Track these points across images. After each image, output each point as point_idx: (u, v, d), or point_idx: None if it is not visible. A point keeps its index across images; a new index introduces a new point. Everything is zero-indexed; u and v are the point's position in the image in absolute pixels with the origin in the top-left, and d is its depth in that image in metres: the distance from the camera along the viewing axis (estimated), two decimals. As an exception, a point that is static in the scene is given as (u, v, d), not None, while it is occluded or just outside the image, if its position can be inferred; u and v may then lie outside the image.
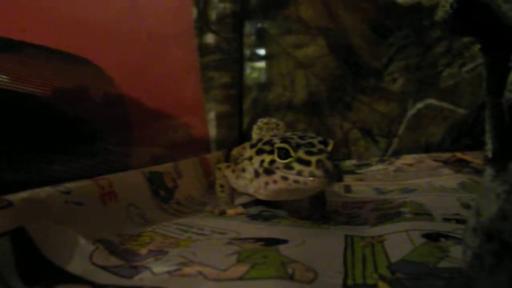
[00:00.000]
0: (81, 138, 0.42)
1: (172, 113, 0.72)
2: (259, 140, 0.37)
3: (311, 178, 0.30)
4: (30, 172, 0.33)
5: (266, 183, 0.34)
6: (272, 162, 0.33)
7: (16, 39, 0.45)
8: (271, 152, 0.33)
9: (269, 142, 0.35)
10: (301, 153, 0.31)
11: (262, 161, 0.34)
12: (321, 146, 0.32)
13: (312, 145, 0.32)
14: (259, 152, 0.35)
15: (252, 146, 0.37)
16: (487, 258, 0.16)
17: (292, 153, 0.32)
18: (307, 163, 0.31)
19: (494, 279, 0.16)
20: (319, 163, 0.30)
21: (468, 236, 0.18)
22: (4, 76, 0.38)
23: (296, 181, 0.31)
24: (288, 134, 0.37)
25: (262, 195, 0.37)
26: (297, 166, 0.31)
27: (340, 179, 0.62)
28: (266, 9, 0.76)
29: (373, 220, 0.35)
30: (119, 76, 0.56)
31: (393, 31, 0.72)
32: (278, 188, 0.34)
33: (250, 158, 0.36)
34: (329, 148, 0.32)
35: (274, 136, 0.36)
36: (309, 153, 0.31)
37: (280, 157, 0.32)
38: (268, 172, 0.34)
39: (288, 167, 0.32)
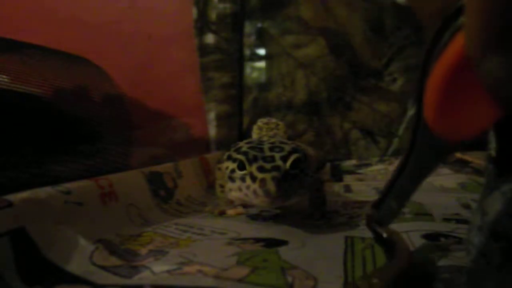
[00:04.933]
0: (81, 138, 0.42)
1: (172, 113, 0.72)
2: (236, 145, 0.37)
3: (254, 195, 0.30)
4: (30, 172, 0.33)
5: (230, 189, 0.34)
6: (233, 170, 0.33)
7: (16, 39, 0.45)
8: (234, 161, 0.33)
9: (238, 150, 0.34)
10: (253, 168, 0.31)
11: (227, 168, 0.34)
12: (279, 163, 0.31)
13: (272, 160, 0.31)
14: (228, 158, 0.35)
15: (228, 150, 0.37)
16: (495, 257, 0.16)
17: (247, 166, 0.31)
18: (254, 180, 0.30)
19: (502, 278, 0.16)
20: (261, 182, 0.29)
21: (473, 234, 0.18)
22: (4, 76, 0.38)
23: (246, 195, 0.31)
24: (271, 140, 0.36)
25: (230, 199, 0.37)
26: (248, 181, 0.31)
27: (340, 179, 0.62)
28: (266, 9, 0.76)
29: (373, 220, 0.35)
30: (119, 76, 0.56)
31: (393, 31, 0.72)
32: (238, 197, 0.33)
33: (223, 162, 0.37)
34: (288, 163, 0.31)
35: (248, 142, 0.36)
36: (260, 169, 0.30)
37: (239, 167, 0.32)
38: (231, 179, 0.34)
39: (243, 179, 0.32)
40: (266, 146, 0.33)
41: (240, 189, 0.32)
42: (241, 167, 0.32)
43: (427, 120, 0.18)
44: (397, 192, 0.23)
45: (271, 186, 0.29)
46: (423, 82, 0.18)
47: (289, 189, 0.30)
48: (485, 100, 0.15)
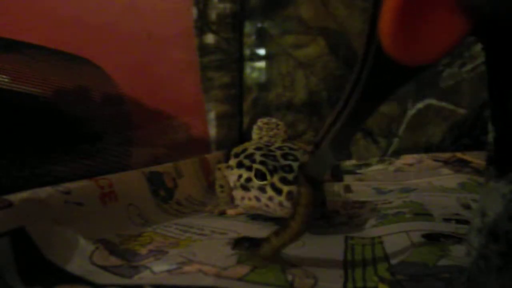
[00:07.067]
0: (81, 138, 0.42)
1: (172, 113, 0.72)
2: (243, 151, 0.37)
3: (279, 208, 0.30)
4: (30, 172, 0.33)
5: (242, 198, 0.35)
6: (248, 179, 0.33)
7: (16, 39, 0.45)
8: (249, 169, 0.33)
9: (250, 157, 0.34)
10: (275, 179, 0.31)
11: (240, 176, 0.34)
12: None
13: (290, 169, 0.31)
14: (239, 165, 0.35)
15: (235, 156, 0.37)
16: (494, 259, 0.16)
17: (268, 177, 0.32)
18: (279, 192, 0.30)
19: (502, 280, 0.16)
20: (289, 195, 0.30)
21: (472, 236, 0.18)
22: (4, 76, 0.38)
23: (266, 205, 0.32)
24: (277, 145, 0.37)
25: (240, 206, 0.37)
26: (270, 191, 0.31)
27: (340, 179, 0.62)
28: (266, 9, 0.76)
29: (373, 220, 0.35)
30: (119, 76, 0.56)
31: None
32: (252, 206, 0.34)
33: (232, 168, 0.37)
34: None
35: (258, 148, 0.36)
36: (283, 180, 0.31)
37: (256, 176, 0.32)
38: (244, 188, 0.34)
39: (262, 189, 0.32)
40: (278, 153, 0.34)
41: (258, 199, 0.32)
42: (261, 177, 0.32)
43: (383, 41, 0.16)
44: (336, 133, 0.20)
45: None
46: None
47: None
48: (450, 12, 0.13)
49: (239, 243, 0.25)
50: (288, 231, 0.23)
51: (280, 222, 0.36)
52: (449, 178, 0.53)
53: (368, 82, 0.18)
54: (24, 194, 0.26)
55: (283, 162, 0.32)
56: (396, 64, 0.16)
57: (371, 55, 0.17)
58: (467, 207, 0.37)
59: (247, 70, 0.77)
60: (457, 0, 0.13)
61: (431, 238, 0.28)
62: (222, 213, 0.40)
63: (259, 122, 0.57)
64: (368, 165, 0.69)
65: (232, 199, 0.43)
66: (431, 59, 0.16)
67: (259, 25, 0.76)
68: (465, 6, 0.13)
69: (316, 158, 0.21)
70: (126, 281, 0.23)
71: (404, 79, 0.17)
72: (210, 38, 0.74)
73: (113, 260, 0.26)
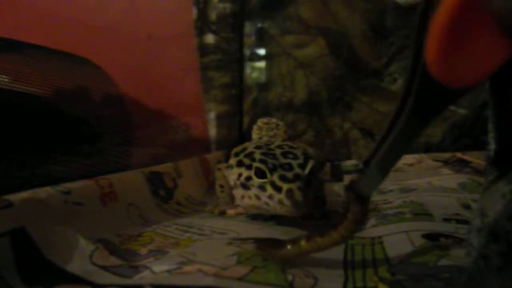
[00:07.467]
0: (81, 138, 0.42)
1: (172, 113, 0.72)
2: (243, 150, 0.37)
3: (279, 205, 0.30)
4: (30, 172, 0.33)
5: (242, 196, 0.35)
6: (248, 178, 0.33)
7: (16, 39, 0.45)
8: (249, 168, 0.33)
9: (250, 156, 0.35)
10: (275, 177, 0.31)
11: (240, 175, 0.34)
12: (298, 171, 0.31)
13: (290, 167, 0.32)
14: (239, 164, 0.35)
15: (235, 155, 0.37)
16: (494, 259, 0.16)
17: (268, 175, 0.32)
18: (279, 190, 0.30)
19: (502, 280, 0.16)
20: (288, 193, 0.30)
21: (472, 236, 0.18)
22: (4, 76, 0.38)
23: (266, 203, 0.32)
24: (277, 143, 0.37)
25: (240, 205, 0.37)
26: (269, 189, 0.31)
27: (340, 179, 0.62)
28: (266, 9, 0.76)
29: (373, 220, 0.35)
30: (119, 76, 0.56)
31: (393, 31, 0.72)
32: (252, 205, 0.34)
33: (232, 167, 0.37)
34: (307, 170, 0.32)
35: (258, 147, 0.36)
36: (283, 178, 0.31)
37: (256, 175, 0.32)
38: (244, 187, 0.34)
39: (262, 187, 0.32)
40: (277, 152, 0.34)
41: (258, 198, 0.32)
42: (261, 175, 0.32)
43: (428, 64, 0.16)
44: (384, 153, 0.20)
45: (299, 197, 0.29)
46: (425, 22, 0.15)
47: (309, 196, 0.31)
48: (494, 38, 0.14)
49: (262, 245, 0.25)
50: (326, 239, 0.23)
51: (280, 222, 0.36)
52: (449, 178, 0.53)
53: (415, 103, 0.18)
54: (24, 194, 0.26)
55: (283, 160, 0.32)
56: (441, 86, 0.16)
57: (418, 76, 0.17)
58: (467, 207, 0.37)
59: (247, 70, 0.77)
60: (501, 25, 0.13)
61: (431, 238, 0.28)
62: (222, 213, 0.41)
63: (259, 122, 0.57)
64: (368, 165, 0.69)
65: (232, 199, 0.43)
66: (474, 82, 0.16)
67: (259, 25, 0.76)
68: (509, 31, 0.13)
69: (365, 177, 0.22)
70: (126, 281, 0.23)
71: (449, 100, 0.18)
72: (210, 38, 0.74)
73: (113, 260, 0.26)
